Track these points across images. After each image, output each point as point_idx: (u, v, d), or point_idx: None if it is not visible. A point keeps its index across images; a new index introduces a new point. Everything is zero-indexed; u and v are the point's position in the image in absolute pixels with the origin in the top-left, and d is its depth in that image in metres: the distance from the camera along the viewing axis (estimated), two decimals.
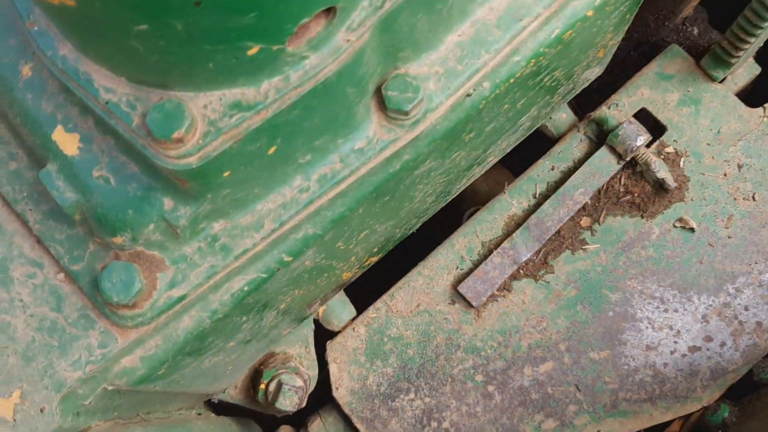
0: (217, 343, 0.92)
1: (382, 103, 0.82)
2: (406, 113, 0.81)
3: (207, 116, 0.66)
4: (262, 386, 1.26)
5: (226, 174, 0.72)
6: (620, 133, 1.31)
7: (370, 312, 1.35)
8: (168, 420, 1.02)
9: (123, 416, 0.93)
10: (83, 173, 0.74)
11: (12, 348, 0.79)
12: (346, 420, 1.33)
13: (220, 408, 1.32)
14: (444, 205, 1.28)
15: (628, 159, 1.32)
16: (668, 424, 1.24)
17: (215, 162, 0.68)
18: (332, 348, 1.34)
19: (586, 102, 1.51)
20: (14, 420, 0.77)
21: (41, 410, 0.77)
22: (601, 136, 1.36)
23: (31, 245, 0.82)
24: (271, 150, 0.73)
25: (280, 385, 1.24)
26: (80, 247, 0.79)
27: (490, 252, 1.32)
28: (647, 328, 1.26)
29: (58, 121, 0.77)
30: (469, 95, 0.89)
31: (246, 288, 0.84)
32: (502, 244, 1.32)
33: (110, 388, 0.81)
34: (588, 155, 1.36)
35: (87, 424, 0.85)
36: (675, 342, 1.25)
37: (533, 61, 0.95)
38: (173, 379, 0.91)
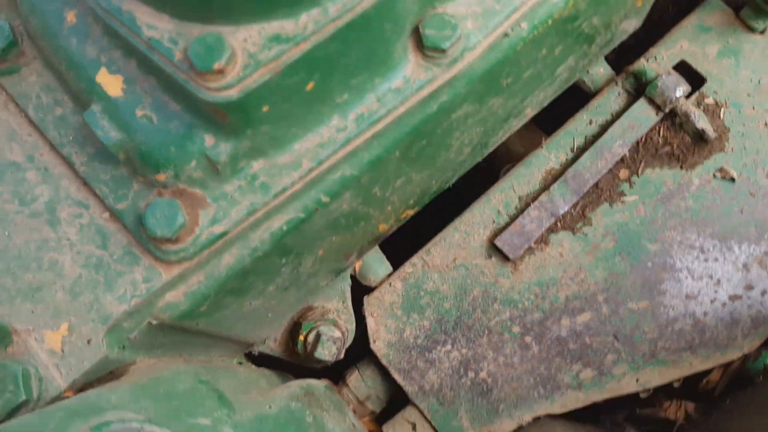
0: (258, 284, 0.94)
1: (419, 42, 0.82)
2: (444, 51, 0.81)
3: (247, 49, 0.67)
4: (301, 337, 1.28)
5: (265, 109, 0.73)
6: (659, 84, 1.29)
7: (407, 267, 1.36)
8: (210, 364, 1.05)
9: (167, 355, 0.95)
10: (127, 113, 0.76)
11: (60, 284, 0.82)
12: (384, 372, 1.35)
13: (259, 360, 1.34)
14: (480, 159, 1.28)
15: (667, 110, 1.30)
16: (708, 372, 1.23)
17: (255, 95, 0.69)
18: (369, 302, 1.35)
19: (623, 58, 1.49)
20: (62, 351, 0.80)
21: (88, 342, 0.80)
22: (640, 89, 1.34)
23: (78, 187, 0.84)
24: (309, 86, 0.74)
25: (318, 336, 1.26)
26: (124, 187, 0.81)
27: (527, 206, 1.32)
28: (687, 278, 1.25)
29: (102, 63, 0.79)
30: (506, 35, 0.88)
31: (285, 227, 0.85)
32: (540, 198, 1.31)
33: (154, 322, 0.83)
34: (626, 108, 1.34)
35: (132, 358, 0.87)
36: (715, 291, 1.23)
37: (571, 2, 0.94)
38: (215, 318, 0.93)
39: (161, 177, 0.77)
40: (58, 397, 0.78)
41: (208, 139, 0.76)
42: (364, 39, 0.74)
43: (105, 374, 0.83)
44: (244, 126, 0.74)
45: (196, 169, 0.77)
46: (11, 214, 0.83)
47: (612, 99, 1.36)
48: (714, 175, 1.29)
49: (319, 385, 1.18)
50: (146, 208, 0.78)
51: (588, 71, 1.39)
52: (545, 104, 1.30)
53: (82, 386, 0.81)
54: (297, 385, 1.09)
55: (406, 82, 0.83)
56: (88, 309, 0.80)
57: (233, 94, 0.68)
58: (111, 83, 0.77)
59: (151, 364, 0.88)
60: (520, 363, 1.29)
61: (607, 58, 1.41)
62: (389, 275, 1.36)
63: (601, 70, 1.40)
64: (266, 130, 0.77)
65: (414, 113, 0.86)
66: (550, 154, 1.36)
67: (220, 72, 0.66)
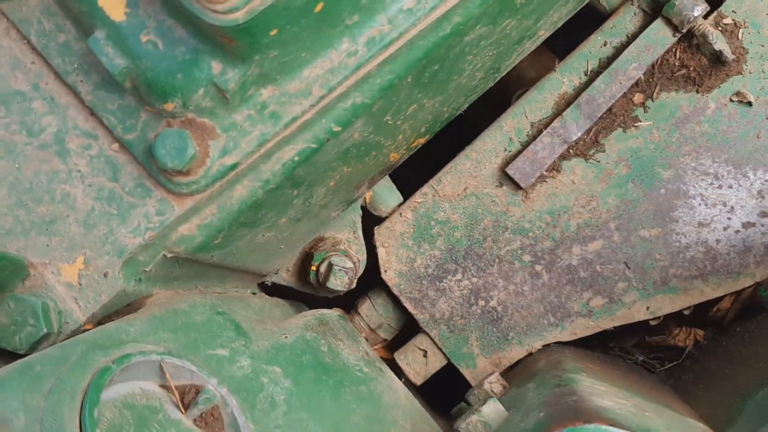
0: (270, 216, 0.94)
1: None
2: None
3: None
4: (313, 268, 1.29)
5: (272, 33, 0.70)
6: (677, 3, 1.25)
7: (417, 197, 1.35)
8: (225, 295, 1.06)
9: (183, 287, 0.96)
10: (131, 38, 0.74)
11: (73, 216, 0.81)
12: (395, 300, 1.36)
13: (272, 290, 1.35)
14: (492, 84, 1.25)
15: (684, 31, 1.26)
16: (719, 300, 1.23)
17: (261, 18, 0.67)
18: (380, 233, 1.35)
19: None
20: (80, 284, 0.80)
21: (105, 275, 0.80)
22: (657, 9, 1.30)
23: (85, 117, 0.82)
24: (318, 7, 0.71)
25: (330, 266, 1.26)
26: (133, 117, 0.80)
27: (540, 132, 1.30)
28: (700, 204, 1.24)
29: None
30: None
31: (296, 158, 0.84)
32: (552, 124, 1.29)
33: (169, 255, 0.83)
34: (642, 29, 1.30)
35: (149, 291, 0.88)
36: (728, 218, 1.22)
37: None
38: (229, 250, 0.93)
39: (169, 106, 0.76)
40: (78, 330, 0.78)
41: (216, 66, 0.74)
42: None
43: (123, 307, 0.84)
44: (251, 51, 0.72)
45: (205, 97, 0.75)
46: (20, 146, 0.82)
47: (627, 19, 1.32)
48: (731, 99, 1.26)
49: (332, 314, 1.19)
50: (156, 138, 0.77)
51: None
52: (559, 25, 1.26)
53: (100, 319, 0.81)
54: (311, 315, 1.10)
55: (418, 2, 0.80)
56: (103, 242, 0.80)
57: (239, 17, 0.65)
58: (114, 7, 0.74)
59: (168, 296, 0.89)
60: (531, 291, 1.30)
61: None
62: (400, 205, 1.36)
63: None
64: (274, 55, 0.74)
65: (427, 36, 0.83)
66: (563, 77, 1.32)
67: None
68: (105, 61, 0.73)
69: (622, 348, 1.36)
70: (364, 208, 1.37)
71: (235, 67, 0.73)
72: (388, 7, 0.79)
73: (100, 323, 0.82)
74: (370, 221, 1.39)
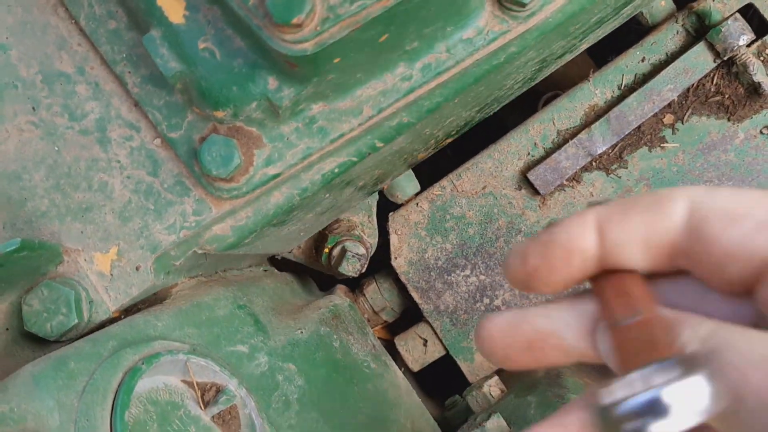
0: (299, 215, 0.94)
1: None
2: (524, 5, 0.77)
3: (327, 1, 0.63)
4: (326, 250, 1.30)
5: (336, 60, 0.69)
6: (723, 29, 1.23)
7: (435, 189, 1.35)
8: (242, 277, 1.07)
9: (204, 274, 0.97)
10: (188, 43, 0.72)
11: (109, 206, 0.81)
12: (401, 287, 1.38)
13: (281, 264, 1.37)
14: (524, 90, 1.24)
15: (725, 58, 1.25)
16: None
17: (329, 49, 0.66)
18: (394, 219, 1.36)
19: None
20: (111, 275, 0.81)
21: (137, 268, 0.81)
22: (700, 31, 1.28)
23: (129, 107, 0.81)
24: (383, 38, 0.70)
25: (344, 252, 1.28)
26: (178, 116, 0.79)
27: (565, 141, 1.30)
28: None
29: None
30: None
31: (336, 170, 0.84)
32: (579, 135, 1.29)
33: (200, 252, 0.84)
34: (683, 49, 1.28)
35: (174, 281, 0.89)
36: None
37: None
38: (255, 245, 0.94)
39: (219, 114, 0.75)
40: (107, 320, 0.79)
41: (272, 82, 0.73)
42: None
43: (149, 296, 0.85)
44: (311, 75, 0.71)
45: (257, 110, 0.75)
46: (61, 129, 0.81)
47: (669, 37, 1.30)
48: (761, 131, 1.26)
49: (344, 305, 1.21)
50: (201, 143, 0.76)
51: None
52: (600, 38, 1.24)
53: (128, 307, 0.82)
54: (325, 307, 1.12)
55: (479, 33, 0.79)
56: (137, 235, 0.81)
57: (308, 48, 0.64)
58: (172, 8, 0.73)
59: (192, 286, 0.90)
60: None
61: None
62: (417, 194, 1.36)
63: (663, 3, 1.33)
64: (332, 78, 0.73)
65: (480, 64, 0.83)
66: (596, 89, 1.32)
67: (298, 26, 0.62)
68: (159, 63, 0.72)
69: None
70: (380, 193, 1.38)
71: (291, 86, 0.72)
72: (449, 36, 0.78)
73: (127, 311, 0.83)
74: (386, 205, 1.39)
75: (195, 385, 0.80)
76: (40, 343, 0.77)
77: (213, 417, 0.81)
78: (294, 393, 0.89)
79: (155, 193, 0.81)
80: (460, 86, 0.84)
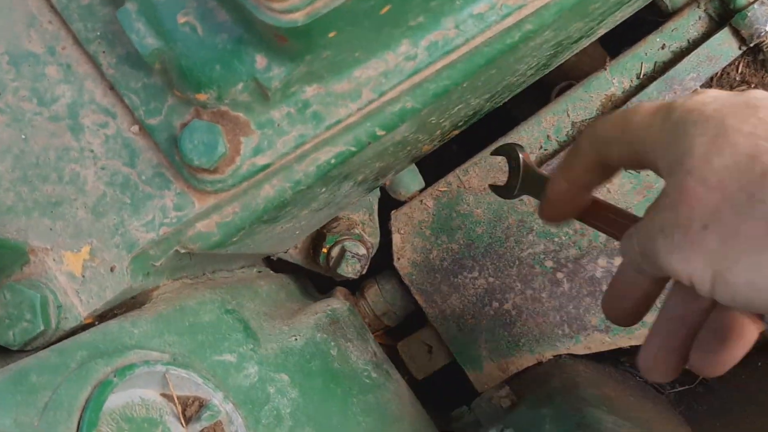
0: (293, 211, 0.86)
1: None
2: None
3: None
4: (324, 250, 1.22)
5: (331, 35, 0.61)
6: (749, 14, 1.15)
7: (441, 185, 1.27)
8: (232, 279, 0.99)
9: (190, 276, 0.89)
10: (167, 17, 0.65)
11: (81, 201, 0.73)
12: (404, 289, 1.30)
13: (277, 266, 1.29)
14: (537, 78, 1.16)
15: (751, 45, 1.17)
16: None
17: (323, 20, 0.58)
18: (397, 218, 1.28)
19: None
20: (83, 276, 0.73)
21: (111, 269, 0.73)
22: (724, 16, 1.20)
23: (104, 91, 0.73)
24: (385, 9, 0.62)
25: (343, 252, 1.20)
26: (158, 99, 0.71)
27: (580, 134, 1.22)
28: None
29: None
30: None
31: (333, 161, 0.76)
32: None
33: (183, 251, 0.76)
34: (705, 36, 1.20)
35: (155, 284, 0.81)
36: None
37: None
38: (245, 243, 0.86)
39: (202, 97, 0.67)
40: (78, 326, 0.72)
41: (260, 60, 0.65)
42: None
43: (126, 300, 0.77)
44: (304, 51, 0.63)
45: (243, 92, 0.67)
46: (29, 114, 0.73)
47: (690, 23, 1.22)
48: None
49: (343, 309, 1.13)
50: (182, 129, 0.69)
51: None
52: (618, 23, 1.16)
53: (102, 312, 0.75)
54: (323, 311, 1.04)
55: (492, 8, 0.71)
56: (112, 233, 0.73)
57: (298, 18, 0.56)
58: None
59: (176, 289, 0.82)
60: (549, 299, 1.24)
61: None
62: (421, 191, 1.28)
63: None
64: (327, 55, 0.65)
65: (493, 43, 0.75)
66: (614, 77, 1.24)
67: None
68: (135, 40, 0.64)
69: (632, 364, 1.31)
70: (382, 189, 1.30)
71: (281, 64, 0.64)
72: (458, 10, 0.70)
73: (101, 317, 0.76)
74: (388, 203, 1.32)
75: (175, 399, 0.72)
76: (1, 352, 0.70)
77: None
78: (287, 406, 0.81)
79: (132, 186, 0.73)
80: (469, 68, 0.75)
